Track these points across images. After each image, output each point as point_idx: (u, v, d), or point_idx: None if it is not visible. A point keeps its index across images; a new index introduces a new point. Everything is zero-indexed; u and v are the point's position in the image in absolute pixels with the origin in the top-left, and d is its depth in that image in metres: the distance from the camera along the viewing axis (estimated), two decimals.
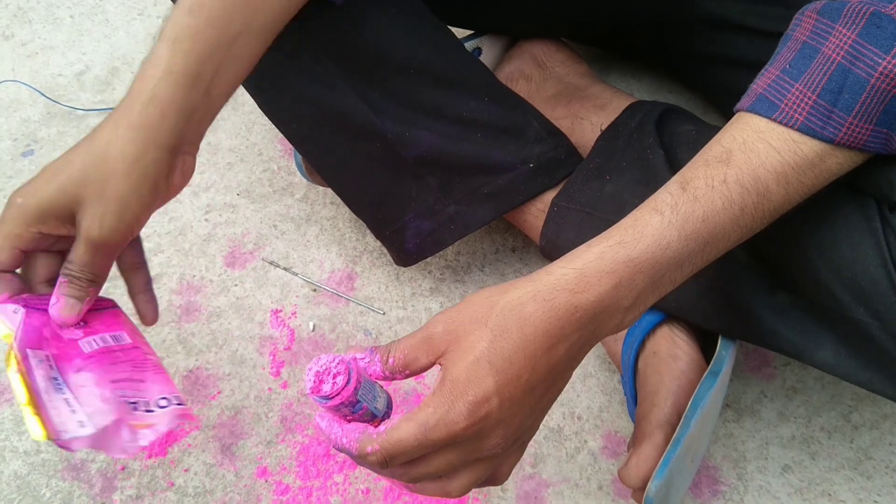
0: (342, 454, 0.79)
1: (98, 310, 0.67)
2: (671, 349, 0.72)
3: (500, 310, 0.47)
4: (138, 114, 0.55)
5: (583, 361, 0.84)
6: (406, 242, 0.82)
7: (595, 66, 1.01)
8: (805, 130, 0.49)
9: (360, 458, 0.49)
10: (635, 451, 0.67)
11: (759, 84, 0.53)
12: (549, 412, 0.81)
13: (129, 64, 1.13)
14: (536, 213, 0.81)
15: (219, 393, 0.84)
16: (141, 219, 0.58)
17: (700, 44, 0.88)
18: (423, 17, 0.75)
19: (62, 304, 0.57)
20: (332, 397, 0.50)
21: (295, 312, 0.90)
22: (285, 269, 0.93)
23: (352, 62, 0.71)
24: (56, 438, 0.63)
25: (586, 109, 0.89)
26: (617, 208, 0.73)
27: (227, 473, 0.79)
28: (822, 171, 0.51)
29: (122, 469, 0.79)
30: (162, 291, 0.91)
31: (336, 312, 0.90)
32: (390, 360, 0.50)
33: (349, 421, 0.51)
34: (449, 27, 0.79)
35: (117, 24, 1.18)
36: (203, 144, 1.03)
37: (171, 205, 0.97)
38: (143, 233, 0.94)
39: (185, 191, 0.99)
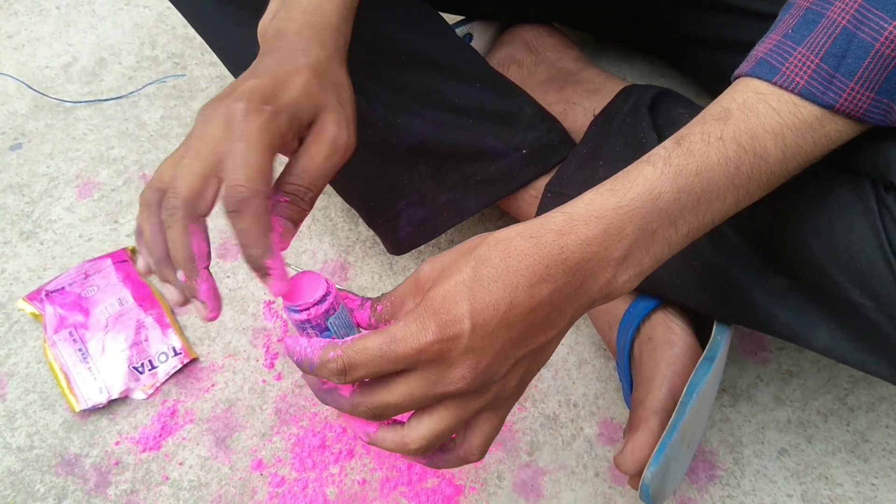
0: (330, 451, 0.78)
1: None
2: (666, 335, 0.71)
3: (487, 243, 0.46)
4: (331, 38, 0.56)
5: (578, 349, 0.84)
6: (399, 231, 0.81)
7: (586, 51, 1.00)
8: (805, 94, 0.48)
9: (321, 367, 0.47)
10: (631, 437, 0.67)
11: (760, 49, 0.52)
12: (545, 399, 0.81)
13: (116, 55, 1.12)
14: (530, 199, 0.80)
15: (213, 386, 0.83)
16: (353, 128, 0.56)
17: (693, 26, 0.87)
18: (412, 3, 0.74)
19: (282, 228, 0.51)
20: (302, 310, 0.49)
21: None
22: None
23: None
24: (82, 407, 0.80)
25: (578, 94, 0.88)
26: None
27: (221, 466, 0.78)
28: (820, 136, 0.50)
29: (117, 464, 0.78)
30: (154, 284, 0.90)
31: None
32: (378, 308, 0.49)
33: None
34: (439, 13, 0.78)
35: (104, 15, 1.17)
36: None
37: None
38: (133, 224, 0.94)
39: None
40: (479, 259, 0.46)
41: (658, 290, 0.72)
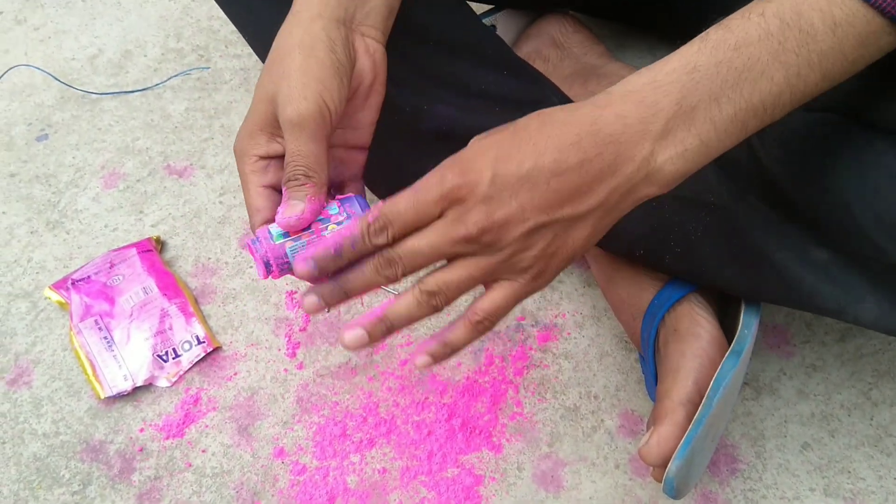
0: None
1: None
2: (692, 327, 0.71)
3: (530, 116, 0.49)
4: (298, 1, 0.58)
5: (599, 341, 0.84)
6: None
7: (611, 42, 1.00)
8: None
9: (364, 236, 0.50)
10: (656, 428, 0.67)
11: None
12: (565, 390, 0.81)
13: (141, 47, 1.13)
14: None
15: (235, 374, 0.84)
16: (329, 89, 0.55)
17: (719, 7, 0.86)
18: None
19: (284, 207, 0.54)
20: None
21: None
22: None
23: None
24: (107, 394, 0.82)
25: (603, 87, 0.87)
26: None
27: (244, 454, 0.79)
28: (869, 33, 0.46)
29: (141, 450, 0.79)
30: (178, 273, 0.90)
31: None
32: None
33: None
34: (466, 1, 0.78)
35: (129, 7, 1.18)
36: (217, 127, 1.04)
37: (185, 187, 0.97)
38: (158, 215, 0.95)
39: (199, 173, 0.99)
40: (518, 124, 0.48)
41: (694, 270, 0.71)
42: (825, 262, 0.63)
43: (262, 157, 0.57)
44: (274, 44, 0.57)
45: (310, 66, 0.54)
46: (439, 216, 0.49)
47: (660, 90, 0.46)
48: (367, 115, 0.61)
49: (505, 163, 0.46)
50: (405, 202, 0.49)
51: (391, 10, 0.61)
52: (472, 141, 0.50)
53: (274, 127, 0.56)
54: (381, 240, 0.50)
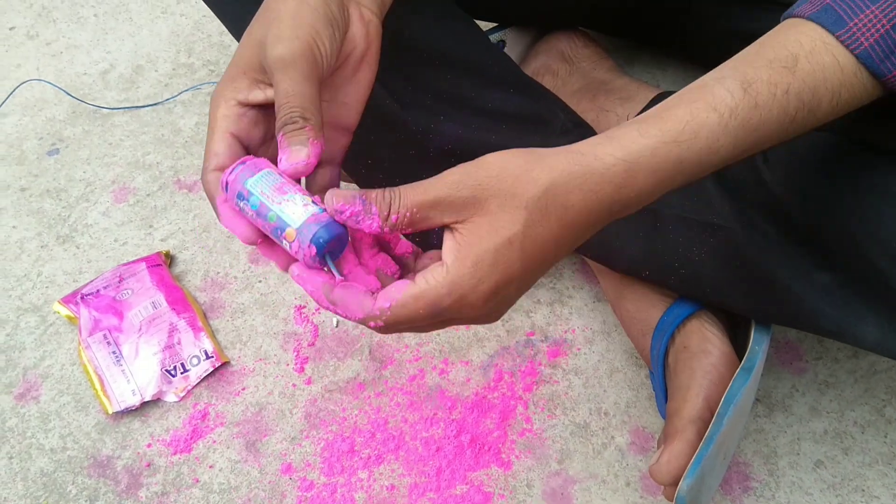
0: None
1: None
2: (702, 343, 0.70)
3: (544, 192, 0.45)
4: None
5: (609, 357, 0.83)
6: (432, 237, 0.81)
7: (619, 57, 1.00)
8: (864, 57, 0.46)
9: (362, 321, 0.47)
10: (667, 447, 0.66)
11: None
12: (575, 407, 0.81)
13: (153, 62, 1.14)
14: None
15: (243, 389, 0.83)
16: (321, 36, 0.51)
17: (729, 21, 0.86)
18: (447, 8, 0.74)
19: (286, 154, 0.50)
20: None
21: (319, 308, 0.89)
22: None
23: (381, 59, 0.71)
24: (116, 409, 0.81)
25: (612, 102, 0.88)
26: None
27: (251, 470, 0.78)
28: (864, 98, 0.48)
29: (148, 465, 0.79)
30: (187, 288, 0.90)
31: None
32: (392, 218, 0.46)
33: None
34: (473, 19, 0.78)
35: (141, 23, 1.19)
36: None
37: (194, 202, 0.98)
38: (167, 229, 0.95)
39: None
40: (534, 215, 0.45)
41: (700, 291, 0.71)
42: (827, 284, 0.63)
43: (241, 104, 0.52)
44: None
45: (302, 12, 0.51)
46: None
47: (681, 170, 0.46)
48: (356, 92, 0.56)
49: (529, 264, 0.46)
50: (420, 317, 0.46)
51: None
52: (462, 192, 0.45)
53: (258, 72, 0.52)
54: (371, 323, 0.47)
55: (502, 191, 0.45)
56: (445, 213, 0.45)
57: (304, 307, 0.89)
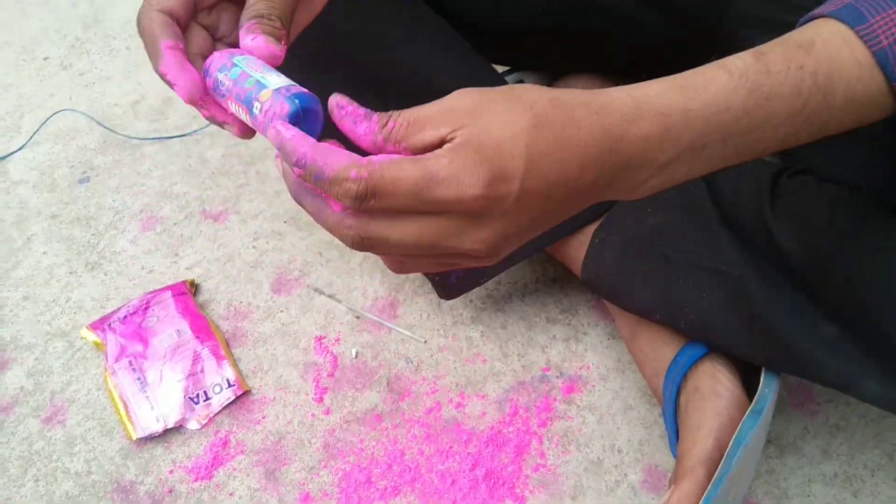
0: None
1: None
2: (713, 385, 0.72)
3: (548, 100, 0.42)
4: None
5: (624, 395, 0.84)
6: (449, 277, 0.83)
7: None
8: (880, 57, 0.44)
9: (332, 183, 0.40)
10: (676, 487, 0.67)
11: None
12: (589, 443, 0.82)
13: None
14: (577, 244, 0.82)
15: (264, 418, 0.85)
16: None
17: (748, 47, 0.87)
18: (458, 49, 0.77)
19: (263, 39, 0.48)
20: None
21: (339, 339, 0.91)
22: (330, 296, 0.95)
23: (391, 95, 0.73)
24: (139, 435, 0.83)
25: None
26: (662, 240, 0.74)
27: (270, 498, 0.80)
28: (875, 113, 0.46)
29: (170, 492, 0.81)
30: (210, 316, 0.93)
31: (378, 340, 0.91)
32: (391, 124, 0.42)
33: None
34: (492, 64, 0.81)
35: None
36: (252, 173, 1.07)
37: (220, 231, 1.00)
38: (193, 258, 0.98)
39: (234, 217, 1.02)
40: (538, 115, 0.41)
41: (708, 336, 0.72)
42: (833, 336, 0.64)
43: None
44: None
45: None
46: (438, 213, 0.42)
47: (688, 121, 0.43)
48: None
49: (533, 176, 0.41)
50: (409, 185, 0.40)
51: None
52: (465, 100, 0.42)
53: None
54: (348, 202, 0.41)
55: (507, 97, 0.42)
56: (445, 123, 0.41)
57: (325, 337, 0.91)
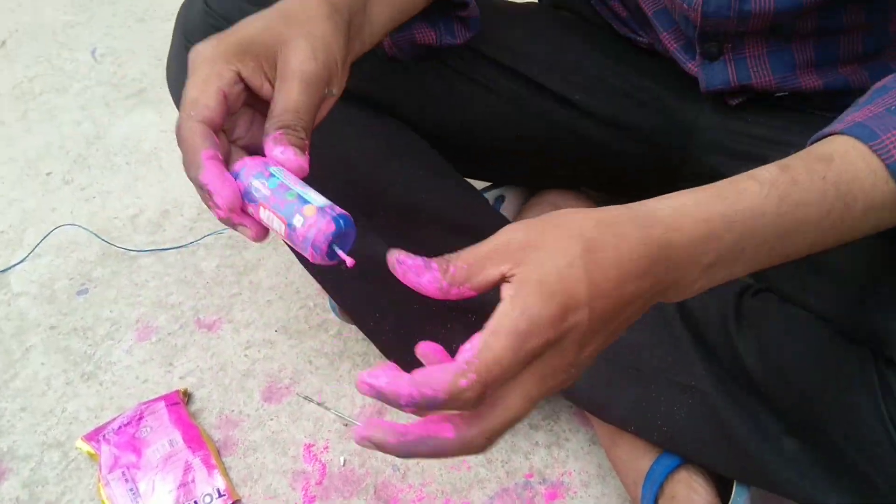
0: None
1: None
2: (689, 494, 0.74)
3: (596, 223, 0.44)
4: None
5: (605, 502, 0.86)
6: (487, 310, 0.85)
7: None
8: (893, 169, 0.47)
9: (450, 402, 0.40)
10: None
11: (855, 116, 0.51)
12: None
13: (179, 207, 1.22)
14: None
15: None
16: (342, 66, 0.56)
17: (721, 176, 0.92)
18: (442, 171, 0.81)
19: (293, 151, 0.51)
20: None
21: (327, 447, 0.93)
22: (318, 404, 0.97)
23: (379, 215, 0.77)
24: None
25: None
26: (635, 355, 0.77)
27: None
28: (891, 220, 0.49)
29: None
30: (202, 425, 0.95)
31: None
32: (452, 270, 0.44)
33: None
34: (468, 180, 0.85)
35: (170, 170, 1.28)
36: (245, 283, 1.11)
37: (213, 340, 1.03)
38: (186, 367, 1.01)
39: (227, 327, 1.05)
40: (590, 242, 0.43)
41: (681, 449, 0.75)
42: (794, 451, 0.66)
43: (238, 76, 0.53)
44: (287, 3, 0.57)
45: (332, 42, 0.55)
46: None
47: (728, 225, 0.46)
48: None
49: (599, 298, 0.42)
50: (508, 356, 0.41)
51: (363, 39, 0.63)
52: (517, 237, 0.44)
53: (267, 63, 0.54)
54: (471, 407, 0.41)
55: (556, 227, 0.44)
56: (503, 260, 0.43)
57: (313, 445, 0.93)
